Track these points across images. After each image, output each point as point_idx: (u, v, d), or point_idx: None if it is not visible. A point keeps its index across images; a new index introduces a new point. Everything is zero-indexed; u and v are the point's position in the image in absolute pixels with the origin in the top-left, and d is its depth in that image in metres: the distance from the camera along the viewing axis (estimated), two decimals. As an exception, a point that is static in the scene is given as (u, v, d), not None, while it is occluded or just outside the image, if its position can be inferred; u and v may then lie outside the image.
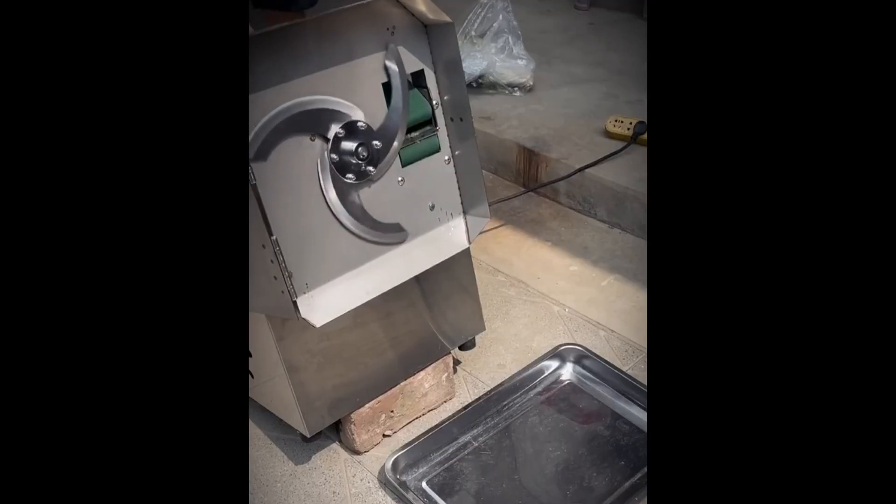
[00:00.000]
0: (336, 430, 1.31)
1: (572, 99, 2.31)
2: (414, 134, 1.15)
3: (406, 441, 1.27)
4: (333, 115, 1.05)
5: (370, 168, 1.09)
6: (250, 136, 0.98)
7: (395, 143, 1.12)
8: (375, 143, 1.09)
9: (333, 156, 1.06)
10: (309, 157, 1.04)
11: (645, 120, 1.98)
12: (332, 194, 1.07)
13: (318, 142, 1.04)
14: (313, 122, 1.04)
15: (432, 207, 1.22)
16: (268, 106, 0.99)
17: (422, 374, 1.31)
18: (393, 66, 1.10)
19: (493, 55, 2.35)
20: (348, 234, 1.11)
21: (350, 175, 1.08)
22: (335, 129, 1.05)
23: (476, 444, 1.28)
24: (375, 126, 1.09)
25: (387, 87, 1.11)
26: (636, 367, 1.43)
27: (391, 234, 1.16)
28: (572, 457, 1.24)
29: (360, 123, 1.07)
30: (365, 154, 1.08)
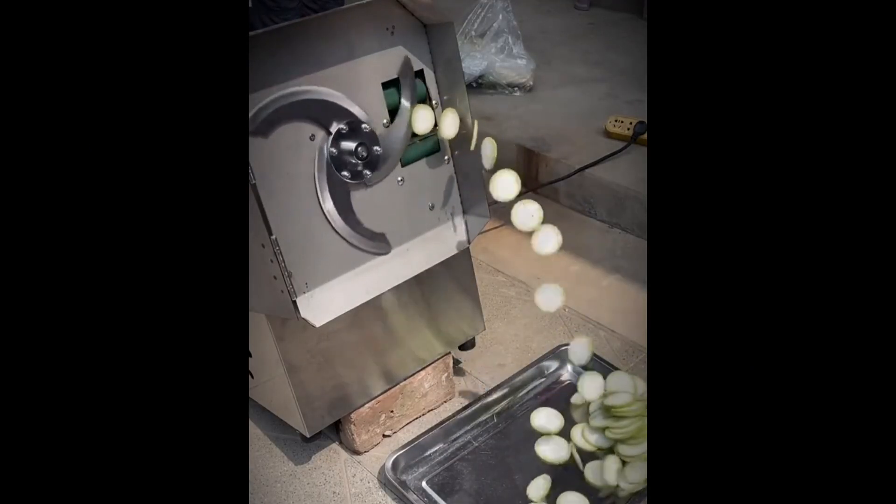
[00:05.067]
0: (336, 430, 1.31)
1: (572, 99, 2.32)
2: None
3: (406, 441, 1.27)
4: (336, 109, 1.05)
5: (367, 171, 1.09)
6: (251, 112, 0.97)
7: (396, 150, 1.12)
8: (377, 148, 1.09)
9: (332, 150, 1.05)
10: (307, 154, 1.04)
11: (645, 120, 1.98)
12: (330, 193, 1.07)
13: (318, 139, 1.04)
14: (315, 112, 1.03)
15: (432, 207, 1.21)
16: (272, 89, 0.99)
17: (422, 374, 1.31)
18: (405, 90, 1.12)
19: (492, 55, 2.35)
20: (348, 233, 1.11)
21: (346, 173, 1.07)
22: (337, 125, 1.05)
23: (476, 444, 1.28)
24: (377, 129, 1.10)
25: (386, 88, 1.11)
26: (636, 368, 1.43)
27: (379, 243, 1.15)
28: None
29: (364, 126, 1.07)
30: (364, 154, 1.08)
